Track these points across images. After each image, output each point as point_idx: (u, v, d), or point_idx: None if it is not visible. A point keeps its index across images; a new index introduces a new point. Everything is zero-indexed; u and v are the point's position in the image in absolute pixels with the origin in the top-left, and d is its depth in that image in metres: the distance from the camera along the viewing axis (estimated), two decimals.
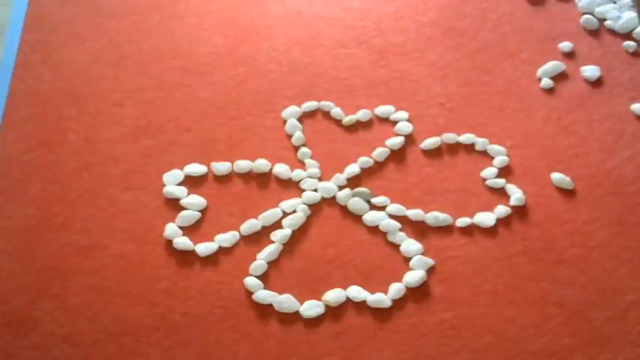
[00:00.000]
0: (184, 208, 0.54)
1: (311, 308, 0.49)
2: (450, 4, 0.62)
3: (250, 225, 0.53)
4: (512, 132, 0.59)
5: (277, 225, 0.53)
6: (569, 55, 0.65)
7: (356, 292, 0.49)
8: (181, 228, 0.53)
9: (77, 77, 0.63)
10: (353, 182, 0.56)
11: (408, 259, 0.51)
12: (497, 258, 0.51)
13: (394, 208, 0.54)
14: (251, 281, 0.50)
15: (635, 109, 0.61)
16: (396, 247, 0.52)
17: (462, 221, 0.53)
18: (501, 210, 0.54)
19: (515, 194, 0.55)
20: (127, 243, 0.52)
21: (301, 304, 0.49)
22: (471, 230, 0.53)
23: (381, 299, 0.49)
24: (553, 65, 0.64)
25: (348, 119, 0.60)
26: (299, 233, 0.53)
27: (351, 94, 0.61)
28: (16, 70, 0.63)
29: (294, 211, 0.54)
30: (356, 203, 0.54)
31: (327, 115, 0.61)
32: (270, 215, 0.53)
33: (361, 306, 0.49)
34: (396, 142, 0.58)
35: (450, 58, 0.64)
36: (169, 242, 0.52)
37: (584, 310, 0.49)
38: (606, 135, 0.59)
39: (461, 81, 0.62)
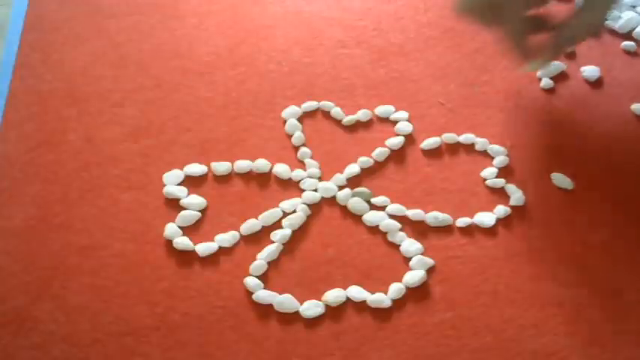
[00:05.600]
0: (184, 208, 0.54)
1: (311, 308, 0.49)
2: (450, 4, 0.62)
3: (250, 225, 0.53)
4: (512, 132, 0.59)
5: (277, 225, 0.53)
6: (569, 55, 0.65)
7: (356, 292, 0.49)
8: (181, 228, 0.53)
9: (77, 77, 0.63)
10: (353, 182, 0.56)
11: (408, 259, 0.51)
12: (497, 258, 0.51)
13: (394, 208, 0.54)
14: (251, 281, 0.50)
15: (635, 109, 0.61)
16: (396, 247, 0.52)
17: (462, 221, 0.53)
18: (501, 210, 0.54)
19: (515, 194, 0.55)
20: (127, 243, 0.52)
21: (301, 304, 0.49)
22: (471, 230, 0.53)
23: (381, 299, 0.49)
24: (553, 65, 0.64)
25: (348, 119, 0.60)
26: (299, 233, 0.53)
27: (351, 94, 0.61)
28: (16, 70, 0.63)
29: (294, 211, 0.54)
30: (356, 203, 0.54)
31: (327, 115, 0.61)
32: (270, 215, 0.53)
33: (361, 306, 0.49)
34: (396, 142, 0.58)
35: (449, 58, 0.64)
36: (169, 242, 0.52)
37: (584, 310, 0.49)
38: (606, 135, 0.59)
39: (461, 81, 0.62)
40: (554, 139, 0.59)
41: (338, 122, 0.60)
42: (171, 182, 0.55)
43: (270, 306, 0.49)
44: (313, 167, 0.56)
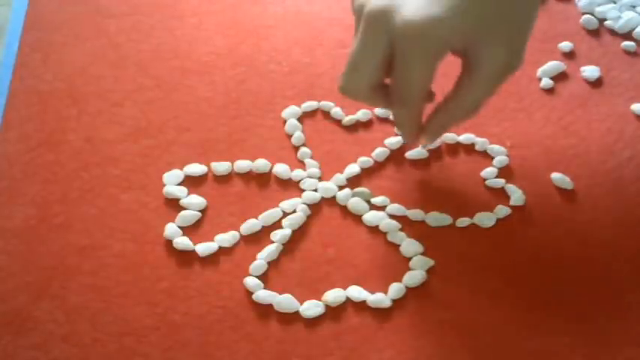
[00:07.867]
0: (184, 208, 0.54)
1: (311, 308, 0.49)
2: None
3: (250, 225, 0.53)
4: (512, 132, 0.59)
5: (277, 225, 0.53)
6: (569, 55, 0.65)
7: (356, 292, 0.49)
8: (181, 228, 0.53)
9: (77, 77, 0.63)
10: (353, 182, 0.56)
11: (408, 259, 0.51)
12: (497, 258, 0.51)
13: (394, 208, 0.54)
14: (251, 281, 0.50)
15: (635, 109, 0.61)
16: (396, 247, 0.52)
17: (462, 221, 0.53)
18: (501, 210, 0.54)
19: (515, 194, 0.55)
20: (127, 243, 0.52)
21: (301, 304, 0.49)
22: (471, 230, 0.53)
23: (381, 299, 0.49)
24: (553, 65, 0.64)
25: (348, 119, 0.60)
26: (299, 233, 0.53)
27: None
28: (16, 70, 0.63)
29: (294, 211, 0.54)
30: (356, 203, 0.54)
31: (327, 115, 0.61)
32: (270, 215, 0.53)
33: (361, 306, 0.49)
34: (395, 142, 0.58)
35: (449, 58, 0.64)
36: (169, 242, 0.52)
37: (584, 310, 0.49)
38: (606, 135, 0.59)
39: None
40: (554, 139, 0.59)
41: (338, 122, 0.60)
42: (171, 182, 0.55)
43: (270, 306, 0.49)
44: (313, 167, 0.56)
